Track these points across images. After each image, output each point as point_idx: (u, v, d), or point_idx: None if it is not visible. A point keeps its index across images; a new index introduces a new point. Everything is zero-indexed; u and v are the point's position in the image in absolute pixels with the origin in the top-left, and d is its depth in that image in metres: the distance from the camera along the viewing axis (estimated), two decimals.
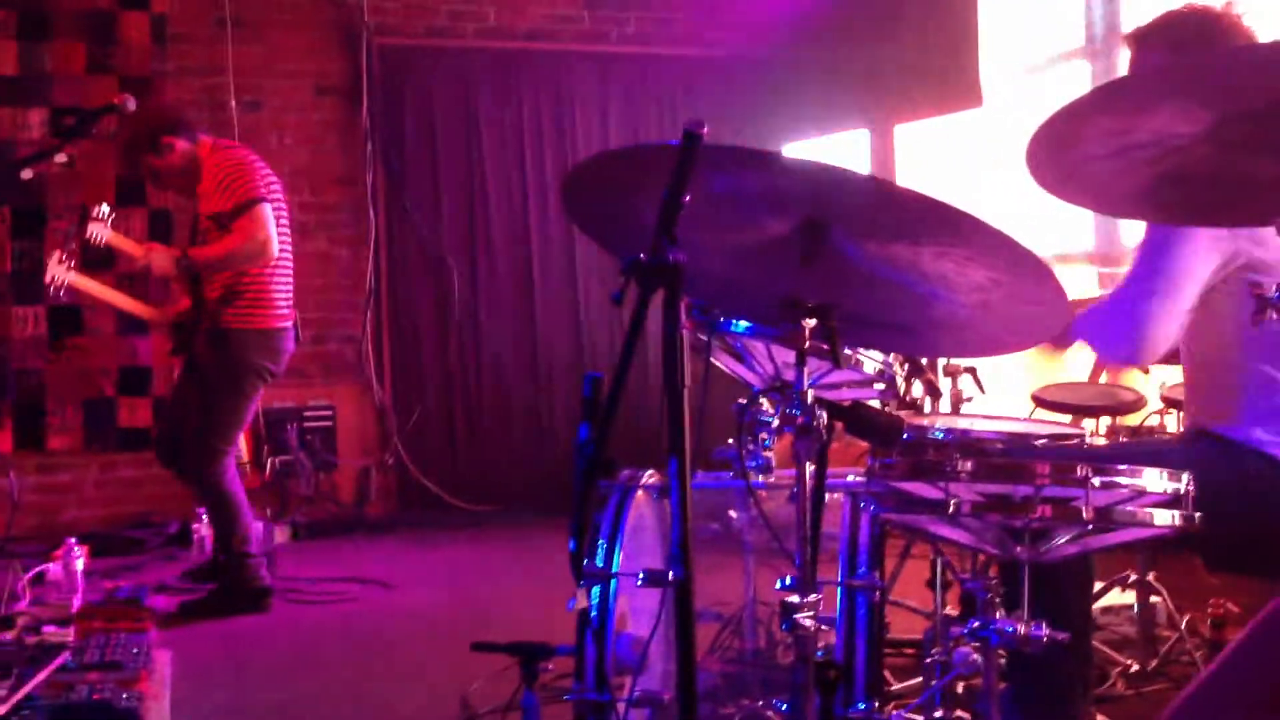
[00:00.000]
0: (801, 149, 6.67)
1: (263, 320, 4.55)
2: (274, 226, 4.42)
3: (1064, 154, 1.65)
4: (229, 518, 4.55)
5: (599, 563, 2.33)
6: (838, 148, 6.59)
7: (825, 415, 1.79)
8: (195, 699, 3.58)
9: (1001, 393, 3.81)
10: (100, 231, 4.57)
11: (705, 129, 1.48)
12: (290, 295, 4.66)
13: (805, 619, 1.78)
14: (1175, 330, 2.35)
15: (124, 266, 5.20)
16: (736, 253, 1.92)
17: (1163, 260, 2.30)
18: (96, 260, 5.07)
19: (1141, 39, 2.45)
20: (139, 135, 4.57)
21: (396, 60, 6.91)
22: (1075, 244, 5.29)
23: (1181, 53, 2.29)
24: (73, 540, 4.72)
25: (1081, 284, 5.15)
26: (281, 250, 4.52)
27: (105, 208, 4.62)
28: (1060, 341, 2.56)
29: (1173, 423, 3.73)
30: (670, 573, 2.11)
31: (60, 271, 4.49)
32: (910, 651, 3.56)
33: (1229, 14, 2.40)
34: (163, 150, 4.53)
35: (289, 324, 4.65)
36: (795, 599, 1.80)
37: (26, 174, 4.35)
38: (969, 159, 5.75)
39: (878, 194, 1.74)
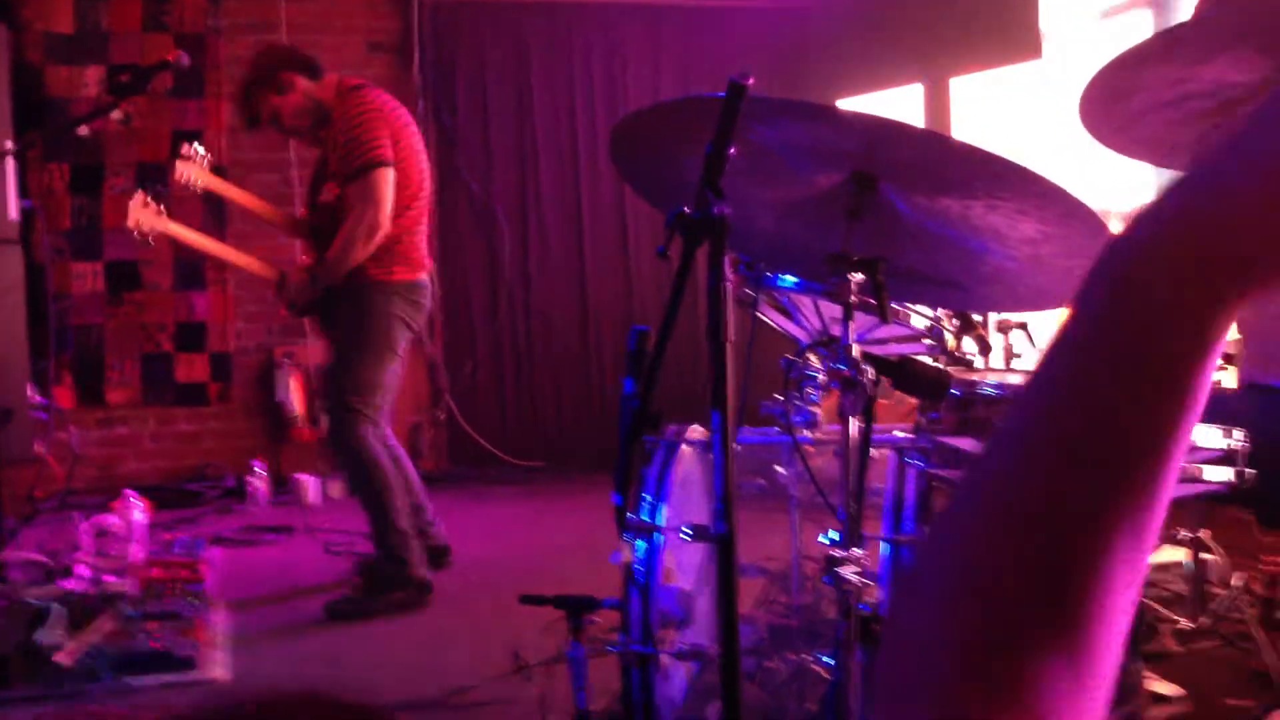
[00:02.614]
0: (855, 104, 6.59)
1: (405, 272, 4.27)
2: (389, 191, 4.09)
3: (1118, 105, 1.62)
4: (376, 493, 4.16)
5: (644, 517, 2.34)
6: (892, 102, 6.50)
7: (872, 370, 1.78)
8: (253, 648, 3.65)
9: None
10: (192, 173, 4.31)
11: (751, 80, 1.47)
12: (426, 245, 4.44)
13: (849, 573, 1.78)
14: None
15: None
16: (784, 207, 1.91)
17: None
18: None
19: None
20: (260, 71, 4.27)
21: (447, 16, 6.90)
22: (1134, 198, 5.19)
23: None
24: (131, 492, 4.81)
25: None
26: (416, 199, 4.28)
27: (199, 147, 4.35)
28: None
29: (1225, 378, 3.67)
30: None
31: (145, 216, 4.25)
32: None
33: None
34: (285, 88, 4.21)
35: (427, 275, 4.42)
36: (839, 554, 1.80)
37: (83, 131, 4.37)
38: (1027, 112, 5.65)
39: (927, 146, 1.71)
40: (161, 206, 4.34)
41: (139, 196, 4.29)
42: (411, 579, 4.11)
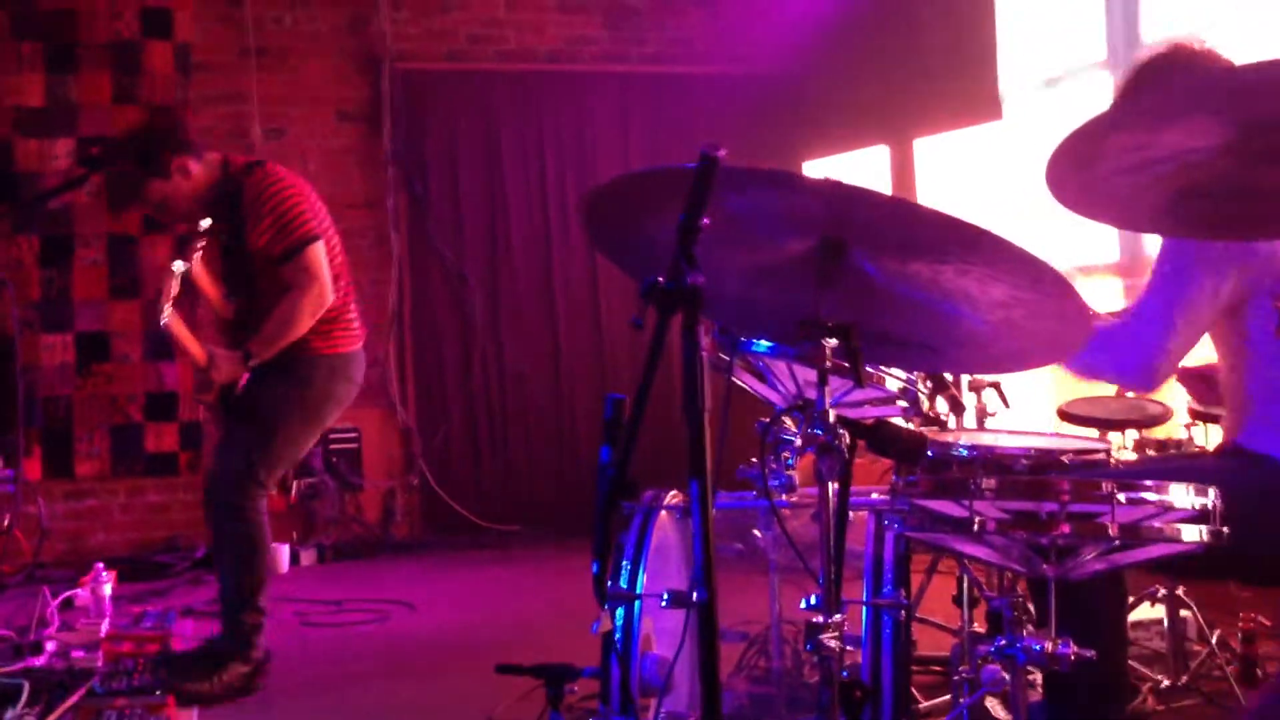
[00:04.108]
0: (822, 166, 6.67)
1: (348, 343, 4.12)
2: (325, 264, 3.96)
3: (1083, 171, 1.65)
4: (252, 569, 3.95)
5: (623, 584, 2.32)
6: (858, 164, 6.59)
7: (848, 434, 1.79)
8: None
9: (1026, 407, 3.79)
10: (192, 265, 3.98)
11: (722, 151, 1.49)
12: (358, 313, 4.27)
13: (830, 639, 1.77)
14: (1186, 353, 2.34)
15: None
16: (755, 273, 1.92)
17: (1177, 284, 2.29)
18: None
19: (1126, 84, 2.43)
20: (144, 156, 3.91)
21: (417, 85, 6.96)
22: (1099, 255, 5.26)
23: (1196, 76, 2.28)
24: (101, 565, 4.75)
25: (1105, 295, 5.13)
26: (341, 269, 4.12)
27: (205, 224, 3.94)
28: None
29: (1200, 436, 3.70)
30: (694, 593, 2.11)
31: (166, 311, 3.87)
32: (938, 669, 3.54)
33: (1205, 48, 2.39)
34: (175, 174, 3.91)
35: (362, 346, 4.23)
36: (819, 619, 1.80)
37: (54, 203, 4.32)
38: (989, 172, 5.74)
39: (895, 212, 1.73)
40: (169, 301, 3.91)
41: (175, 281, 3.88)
42: (253, 660, 3.92)
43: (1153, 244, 5.01)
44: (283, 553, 6.02)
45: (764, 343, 2.23)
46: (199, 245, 3.96)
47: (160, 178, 3.92)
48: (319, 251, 3.96)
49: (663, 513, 2.50)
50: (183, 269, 3.89)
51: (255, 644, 3.92)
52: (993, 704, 2.77)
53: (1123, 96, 2.40)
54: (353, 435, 6.69)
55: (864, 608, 2.24)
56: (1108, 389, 3.73)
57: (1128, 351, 2.39)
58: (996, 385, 3.57)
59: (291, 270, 3.93)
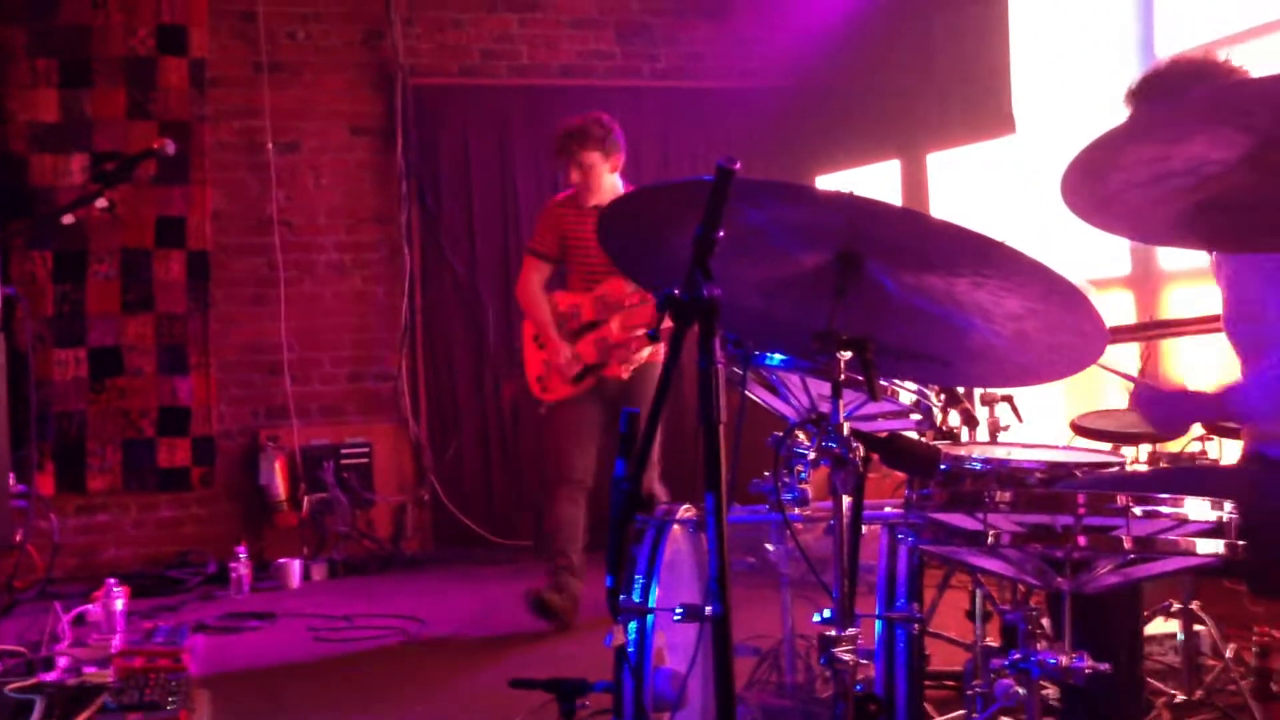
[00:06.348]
0: (834, 180, 6.67)
1: None
2: None
3: (1099, 183, 1.64)
4: None
5: (635, 598, 2.32)
6: (870, 178, 6.59)
7: (862, 447, 1.79)
8: None
9: (1039, 421, 3.78)
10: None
11: (738, 164, 1.49)
12: None
13: (844, 653, 1.77)
14: None
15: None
16: (770, 286, 1.93)
17: None
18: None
19: (1137, 92, 2.41)
20: None
21: (431, 100, 6.99)
22: (1112, 269, 5.25)
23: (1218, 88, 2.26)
24: (112, 581, 4.76)
25: (1118, 309, 5.11)
26: None
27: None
28: (1175, 428, 2.50)
29: (1214, 449, 3.68)
30: (707, 607, 2.11)
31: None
32: (951, 684, 3.52)
33: (1218, 59, 2.38)
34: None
35: None
36: (833, 632, 1.79)
37: (68, 219, 4.36)
38: (1002, 186, 5.73)
39: (912, 225, 1.74)
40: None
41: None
42: None
43: (1166, 258, 5.01)
44: (294, 568, 6.02)
45: (777, 356, 2.23)
46: None
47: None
48: None
49: (675, 527, 2.49)
50: None
51: None
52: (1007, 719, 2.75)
53: (1134, 108, 2.38)
54: (364, 450, 6.69)
55: (877, 621, 2.23)
56: (1122, 401, 3.71)
57: None
58: (1009, 399, 3.57)
59: None
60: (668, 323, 1.55)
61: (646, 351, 4.90)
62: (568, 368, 4.98)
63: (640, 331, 4.88)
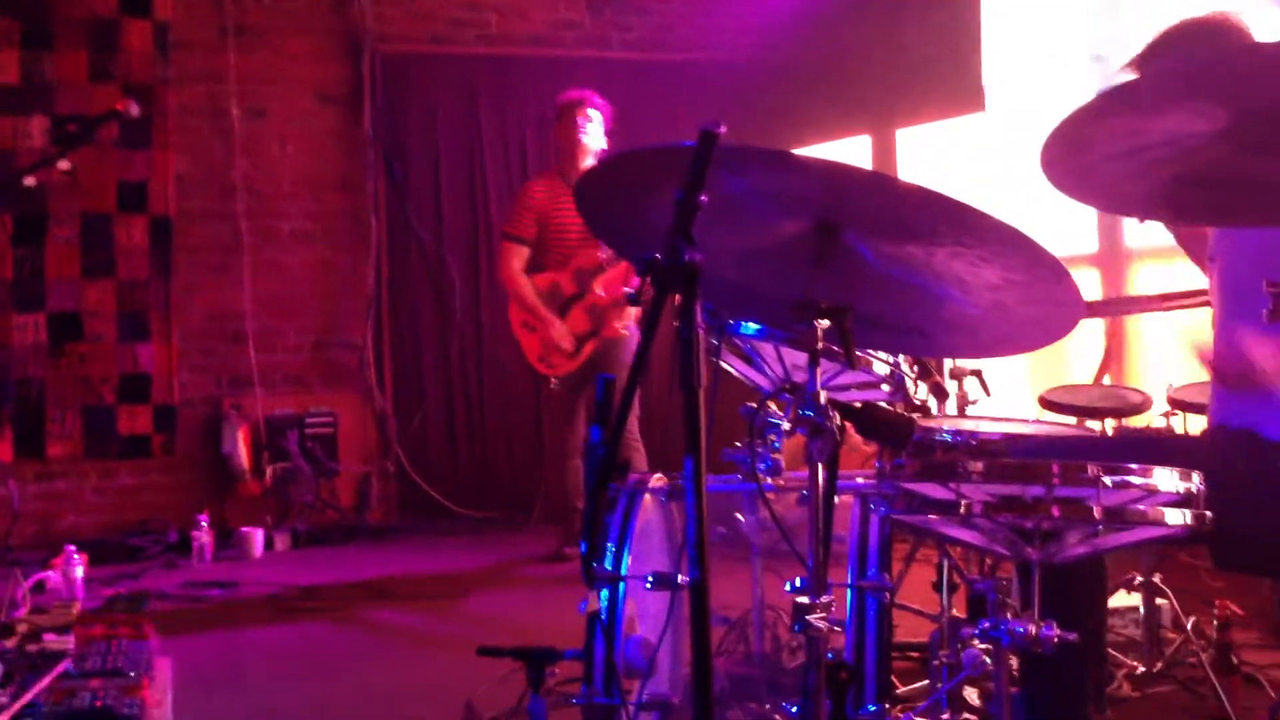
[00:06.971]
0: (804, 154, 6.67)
1: None
2: None
3: (1077, 156, 1.65)
4: None
5: (608, 566, 2.32)
6: (840, 153, 6.60)
7: (838, 417, 1.79)
8: (197, 705, 3.56)
9: (1007, 394, 3.80)
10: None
11: (722, 129, 1.48)
12: None
13: (818, 620, 1.77)
14: None
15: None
16: (748, 254, 1.92)
17: None
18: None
19: (1149, 55, 2.40)
20: None
21: (398, 67, 6.92)
22: (1078, 246, 5.29)
23: (1192, 59, 2.26)
24: (72, 548, 4.71)
25: (1085, 287, 5.15)
26: None
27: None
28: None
29: (1179, 424, 3.72)
30: (679, 575, 2.11)
31: None
32: (915, 655, 3.55)
33: (1234, 20, 2.38)
34: None
35: None
36: (807, 600, 1.80)
37: (29, 181, 4.29)
38: (972, 162, 5.75)
39: (892, 194, 1.73)
40: None
41: None
42: None
43: (1132, 235, 5.06)
44: (257, 537, 5.98)
45: (752, 325, 2.23)
46: None
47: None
48: None
49: (646, 496, 2.49)
50: None
51: None
52: (969, 692, 2.78)
53: (1140, 71, 2.35)
54: (329, 420, 6.65)
55: (848, 591, 2.24)
56: (1089, 376, 3.75)
57: None
58: (978, 373, 3.59)
59: None
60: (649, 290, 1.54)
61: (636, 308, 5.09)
62: (562, 340, 5.17)
63: (628, 289, 5.11)
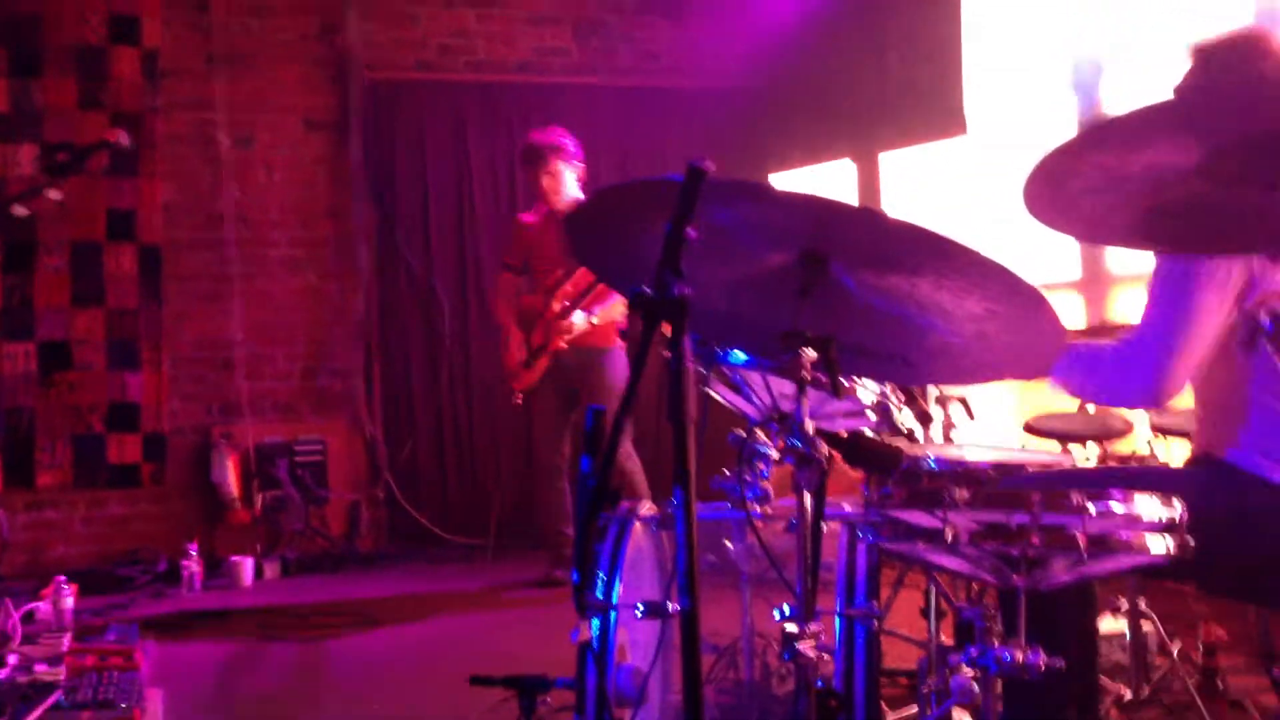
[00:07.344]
0: (787, 179, 6.72)
1: None
2: None
3: (1059, 190, 1.68)
4: None
5: (599, 595, 2.33)
6: (823, 177, 6.64)
7: (825, 446, 1.81)
8: None
9: (993, 421, 3.83)
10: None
11: (710, 165, 1.51)
12: None
13: (807, 647, 1.79)
14: (1193, 370, 2.31)
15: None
16: (735, 285, 1.94)
17: (1181, 299, 2.25)
18: None
19: (1210, 54, 2.36)
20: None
21: (386, 94, 6.95)
22: (1061, 272, 5.33)
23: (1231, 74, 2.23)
24: (62, 578, 4.70)
25: (1067, 312, 5.19)
26: None
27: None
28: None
29: (1163, 450, 3.75)
30: (669, 604, 2.12)
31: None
32: (904, 681, 3.57)
33: (1264, 37, 2.35)
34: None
35: None
36: (796, 628, 1.81)
37: (20, 210, 4.31)
38: (954, 186, 5.80)
39: (876, 226, 1.76)
40: None
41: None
42: None
43: (1115, 261, 5.10)
44: (246, 565, 5.97)
45: (740, 355, 2.25)
46: None
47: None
48: None
49: (636, 525, 2.51)
50: None
51: None
52: (960, 715, 2.79)
53: (1199, 68, 2.33)
54: (318, 447, 6.65)
55: (837, 618, 2.26)
56: (1073, 403, 3.77)
57: (1128, 373, 2.36)
58: (963, 399, 3.61)
59: None
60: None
61: (580, 318, 5.26)
62: (517, 352, 5.45)
63: (566, 302, 5.26)
